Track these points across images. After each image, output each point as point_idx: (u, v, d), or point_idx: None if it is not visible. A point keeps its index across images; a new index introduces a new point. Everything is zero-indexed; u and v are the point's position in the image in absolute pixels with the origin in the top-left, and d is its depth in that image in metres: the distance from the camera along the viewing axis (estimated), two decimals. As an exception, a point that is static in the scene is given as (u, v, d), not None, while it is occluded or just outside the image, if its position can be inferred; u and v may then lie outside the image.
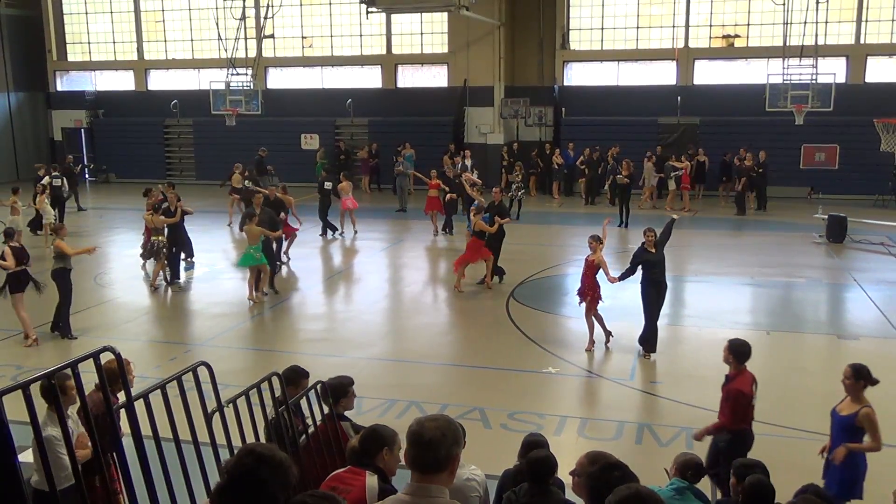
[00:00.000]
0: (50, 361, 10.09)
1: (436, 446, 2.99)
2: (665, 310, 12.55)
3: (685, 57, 27.73)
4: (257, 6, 29.30)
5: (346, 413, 6.27)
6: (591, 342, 11.57)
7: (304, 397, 6.16)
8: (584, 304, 11.50)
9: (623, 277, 11.30)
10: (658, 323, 11.37)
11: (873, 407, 6.29)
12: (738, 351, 6.88)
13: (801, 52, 23.29)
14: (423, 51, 30.10)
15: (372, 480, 4.17)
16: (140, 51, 33.14)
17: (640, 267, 11.15)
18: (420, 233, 20.90)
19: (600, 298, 11.45)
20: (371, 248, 19.34)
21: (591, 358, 11.44)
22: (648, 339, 11.32)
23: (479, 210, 15.36)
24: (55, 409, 3.98)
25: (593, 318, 11.50)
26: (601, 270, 11.33)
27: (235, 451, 2.97)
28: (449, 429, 3.05)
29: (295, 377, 6.39)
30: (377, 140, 29.29)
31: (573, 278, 14.50)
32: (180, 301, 15.07)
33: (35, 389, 3.44)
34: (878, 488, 7.61)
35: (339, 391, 6.17)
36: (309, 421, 6.05)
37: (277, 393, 5.73)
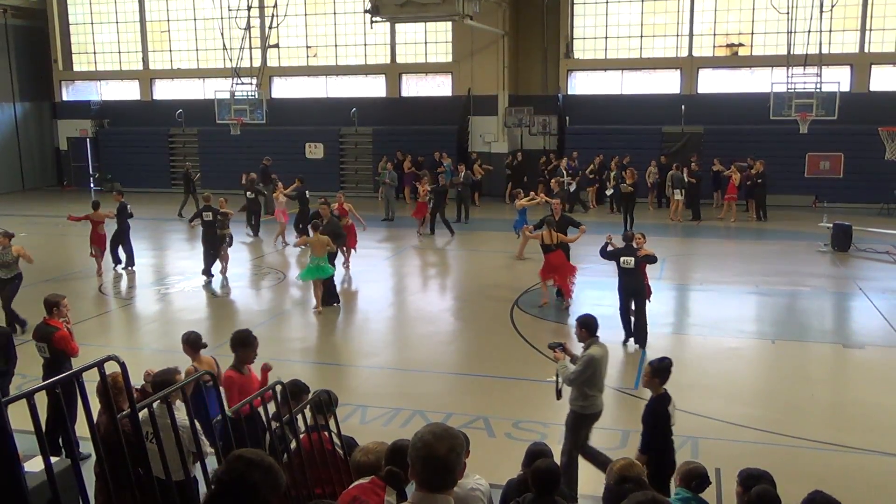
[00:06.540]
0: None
1: (450, 469, 2.98)
2: (669, 318, 12.57)
3: (689, 66, 27.75)
4: (262, 16, 29.41)
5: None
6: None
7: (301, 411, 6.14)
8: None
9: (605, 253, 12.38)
10: (631, 318, 11.96)
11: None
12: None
13: (805, 60, 23.27)
14: (428, 60, 30.16)
15: (391, 500, 4.13)
16: (145, 61, 33.28)
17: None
18: (412, 240, 21.04)
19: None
20: (369, 257, 19.28)
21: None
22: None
23: (540, 224, 14.59)
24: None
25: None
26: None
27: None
28: (454, 451, 3.01)
29: (296, 391, 6.40)
30: (380, 149, 29.32)
31: (578, 286, 14.54)
32: (186, 309, 15.07)
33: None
34: (892, 499, 7.60)
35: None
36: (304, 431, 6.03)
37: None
